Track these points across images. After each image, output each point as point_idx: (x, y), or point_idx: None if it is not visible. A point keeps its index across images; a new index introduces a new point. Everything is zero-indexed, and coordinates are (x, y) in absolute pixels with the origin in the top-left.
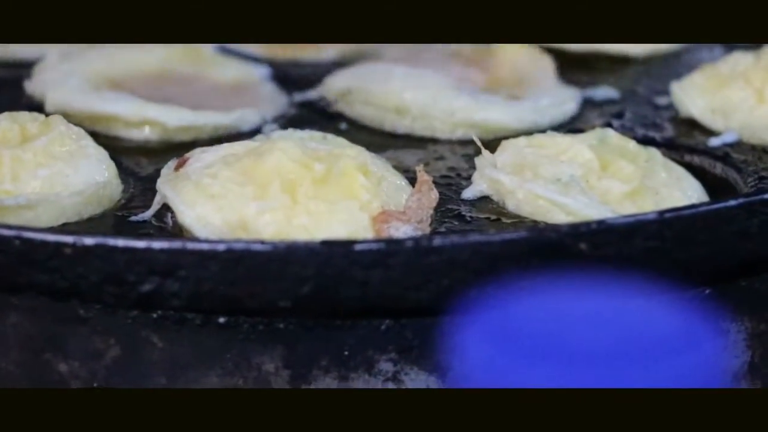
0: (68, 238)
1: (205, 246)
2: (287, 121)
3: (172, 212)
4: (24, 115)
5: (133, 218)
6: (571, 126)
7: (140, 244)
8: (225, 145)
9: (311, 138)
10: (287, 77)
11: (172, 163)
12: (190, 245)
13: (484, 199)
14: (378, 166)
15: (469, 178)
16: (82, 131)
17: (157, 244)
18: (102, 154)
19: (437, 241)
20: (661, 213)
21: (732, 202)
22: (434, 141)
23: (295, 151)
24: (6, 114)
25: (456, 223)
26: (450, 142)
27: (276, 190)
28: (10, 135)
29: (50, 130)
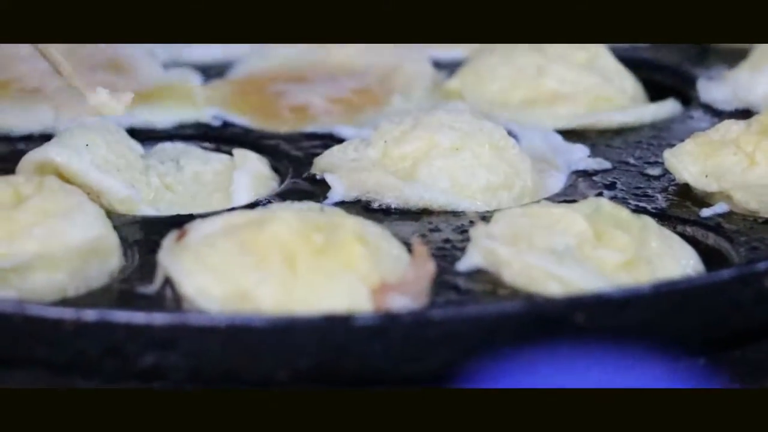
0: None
1: (205, 320)
2: (283, 194)
3: (173, 282)
4: (17, 178)
5: (136, 291)
6: (564, 197)
7: (141, 318)
8: (225, 215)
9: (309, 209)
10: (284, 155)
11: (173, 235)
12: (191, 318)
13: (480, 270)
14: (376, 235)
15: (463, 250)
16: (76, 189)
17: (159, 318)
18: (97, 210)
19: (435, 313)
20: (656, 285)
21: (726, 274)
22: (428, 213)
23: (294, 221)
24: None
25: (452, 294)
26: (444, 213)
27: (275, 261)
28: (3, 197)
29: (44, 190)
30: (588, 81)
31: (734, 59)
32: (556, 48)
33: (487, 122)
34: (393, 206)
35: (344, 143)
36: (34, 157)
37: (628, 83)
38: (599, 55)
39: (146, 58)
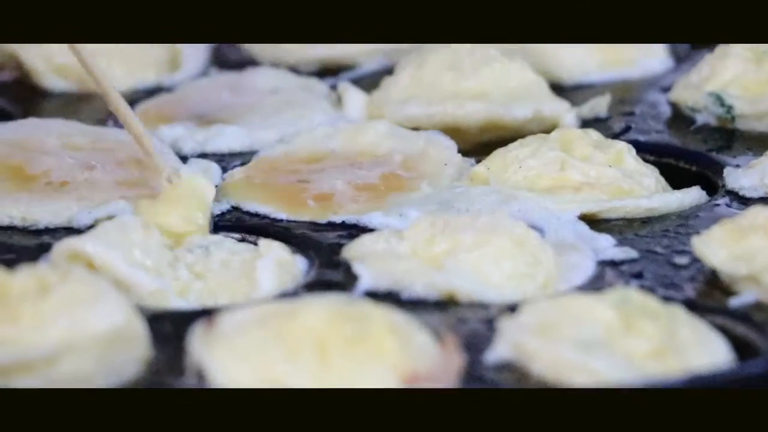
0: None
1: None
2: (311, 284)
3: (204, 372)
4: (42, 268)
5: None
6: (591, 287)
7: None
8: (254, 305)
9: (338, 300)
10: (310, 243)
11: (202, 325)
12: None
13: (507, 362)
14: (406, 326)
15: (491, 341)
16: (101, 277)
17: None
18: (121, 298)
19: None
20: (687, 376)
21: (757, 366)
22: (455, 304)
23: (324, 312)
24: (24, 268)
25: (480, 387)
26: (471, 305)
27: (306, 352)
28: (29, 287)
29: (69, 279)
30: (610, 174)
31: (760, 146)
32: (582, 149)
33: (507, 219)
34: (421, 296)
35: (375, 234)
36: (67, 246)
37: (649, 181)
38: (622, 155)
39: (164, 155)
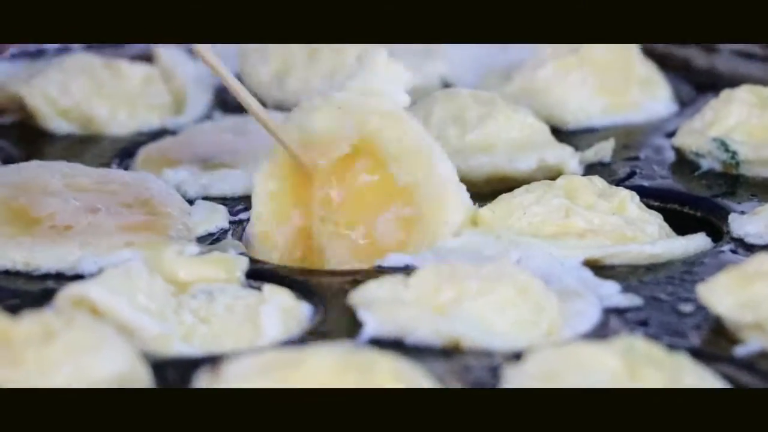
0: None
1: None
2: (315, 331)
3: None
4: (47, 314)
5: None
6: (596, 335)
7: None
8: (258, 353)
9: (342, 350)
10: (314, 289)
11: (207, 373)
12: None
13: None
14: (411, 374)
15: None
16: (105, 324)
17: None
18: (126, 344)
19: None
20: None
21: None
22: (460, 352)
23: (329, 361)
24: (28, 314)
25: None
26: (475, 353)
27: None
28: (33, 333)
29: (73, 325)
30: (614, 222)
31: (765, 191)
32: (587, 197)
33: (512, 267)
34: (426, 343)
35: (380, 280)
36: (71, 292)
37: (653, 228)
38: (625, 203)
39: (171, 196)
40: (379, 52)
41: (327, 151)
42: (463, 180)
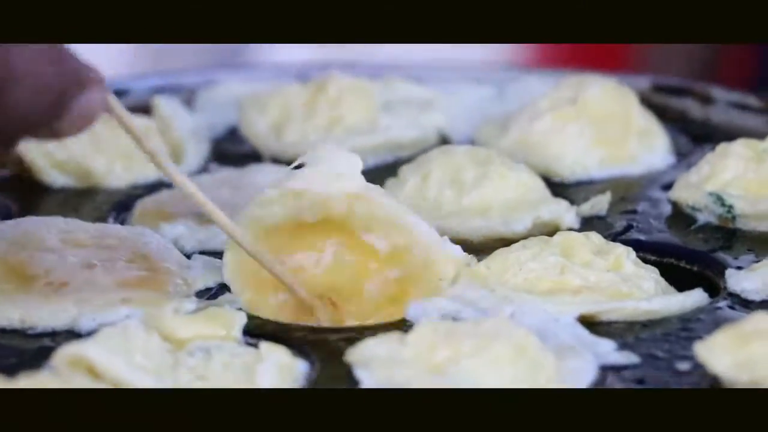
0: None
1: None
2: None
3: None
4: (44, 377)
5: None
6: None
7: None
8: None
9: None
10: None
11: None
12: None
13: None
14: None
15: None
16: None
17: None
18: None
19: None
20: None
21: None
22: None
23: None
24: (24, 375)
25: None
26: None
27: None
28: None
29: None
30: (609, 279)
31: (762, 246)
32: (583, 254)
33: (509, 325)
34: None
35: (378, 338)
36: (68, 352)
37: (648, 284)
38: (621, 260)
39: (169, 251)
40: (328, 147)
41: (290, 240)
42: (460, 241)
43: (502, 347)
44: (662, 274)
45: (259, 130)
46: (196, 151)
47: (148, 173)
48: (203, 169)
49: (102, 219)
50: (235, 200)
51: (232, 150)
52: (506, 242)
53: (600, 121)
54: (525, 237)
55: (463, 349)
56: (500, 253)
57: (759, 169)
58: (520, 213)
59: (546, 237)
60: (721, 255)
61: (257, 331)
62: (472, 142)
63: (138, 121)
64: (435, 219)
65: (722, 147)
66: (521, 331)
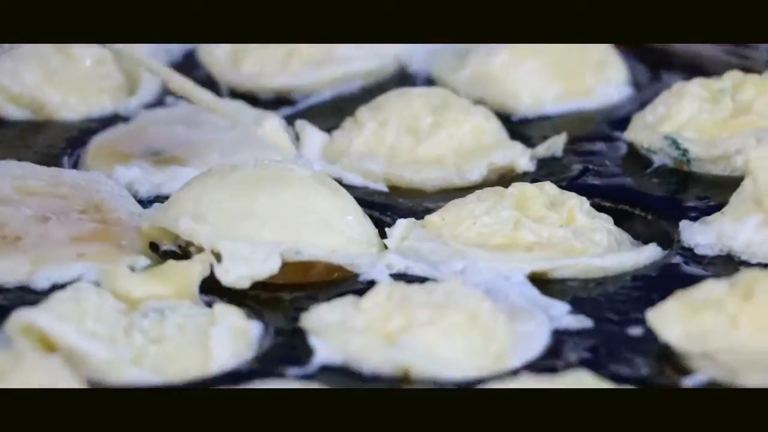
0: None
1: None
2: (265, 356)
3: None
4: None
5: None
6: (545, 361)
7: None
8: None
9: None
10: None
11: None
12: None
13: None
14: None
15: None
16: (53, 360)
17: None
18: (74, 384)
19: None
20: None
21: None
22: (408, 381)
23: None
24: None
25: None
26: (425, 382)
27: None
28: None
29: (20, 366)
30: (561, 234)
31: (716, 189)
32: (537, 207)
33: (463, 291)
34: (376, 372)
35: (331, 304)
36: (19, 319)
37: (601, 236)
38: (573, 213)
39: (122, 199)
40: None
41: None
42: (415, 191)
43: (455, 315)
44: (617, 220)
45: (216, 57)
46: (152, 81)
47: (102, 105)
48: (158, 101)
49: (56, 156)
50: (190, 137)
51: (187, 77)
52: (462, 192)
53: (558, 54)
54: (480, 186)
55: (417, 318)
56: (455, 204)
57: (714, 109)
58: (475, 160)
59: (501, 188)
60: (676, 202)
61: (214, 286)
62: (428, 74)
63: (92, 51)
64: (390, 166)
65: (678, 86)
66: (474, 297)
